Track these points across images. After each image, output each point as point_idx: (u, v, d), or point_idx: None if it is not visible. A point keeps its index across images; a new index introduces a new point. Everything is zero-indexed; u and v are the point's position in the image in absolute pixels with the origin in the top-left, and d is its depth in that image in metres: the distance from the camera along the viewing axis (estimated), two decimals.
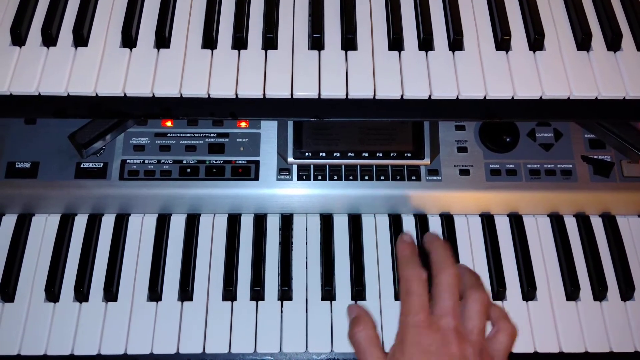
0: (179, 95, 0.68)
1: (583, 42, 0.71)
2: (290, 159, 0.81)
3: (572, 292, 0.78)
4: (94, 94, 0.68)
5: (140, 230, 0.81)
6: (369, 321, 0.66)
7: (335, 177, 0.80)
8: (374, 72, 0.69)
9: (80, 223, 0.81)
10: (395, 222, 0.82)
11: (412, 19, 0.73)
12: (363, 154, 0.81)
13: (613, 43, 0.71)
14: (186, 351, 0.73)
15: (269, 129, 0.83)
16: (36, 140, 0.81)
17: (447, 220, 0.83)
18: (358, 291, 0.77)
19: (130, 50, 0.70)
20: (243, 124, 0.83)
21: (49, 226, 0.81)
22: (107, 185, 0.79)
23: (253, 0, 0.74)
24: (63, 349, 0.73)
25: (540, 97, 0.69)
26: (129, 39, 0.70)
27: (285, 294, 0.77)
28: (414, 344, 0.61)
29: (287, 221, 0.82)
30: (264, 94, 0.68)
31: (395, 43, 0.71)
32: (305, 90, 0.68)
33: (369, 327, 0.65)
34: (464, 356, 0.60)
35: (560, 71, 0.70)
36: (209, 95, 0.68)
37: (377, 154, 0.81)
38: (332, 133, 0.81)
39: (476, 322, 0.63)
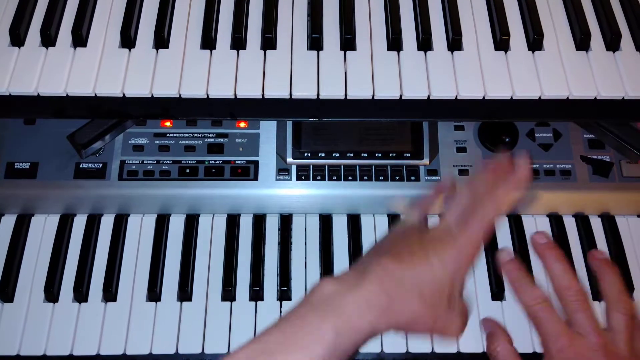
0: (178, 96, 0.68)
1: (582, 42, 0.71)
2: (289, 159, 0.81)
3: None
4: (93, 95, 0.68)
5: (140, 231, 0.81)
6: (504, 335, 0.70)
7: (335, 178, 0.80)
8: (372, 72, 0.69)
9: (79, 223, 0.81)
10: (395, 222, 0.82)
11: (411, 19, 0.73)
12: (362, 154, 0.81)
13: (612, 43, 0.71)
14: (185, 351, 0.73)
15: (268, 129, 0.82)
16: (35, 140, 0.81)
17: None
18: None
19: (129, 50, 0.70)
20: (242, 124, 0.83)
21: (48, 226, 0.81)
22: (106, 185, 0.79)
23: (252, 0, 0.74)
24: (62, 349, 0.73)
25: (539, 97, 0.69)
26: (127, 40, 0.70)
27: (284, 294, 0.77)
28: None
29: (286, 221, 0.82)
30: (263, 94, 0.68)
31: (394, 43, 0.71)
32: (304, 90, 0.68)
33: (505, 340, 0.69)
34: None
35: (559, 71, 0.70)
36: (207, 95, 0.68)
37: (376, 154, 0.81)
38: (331, 133, 0.81)
39: (623, 335, 0.64)
